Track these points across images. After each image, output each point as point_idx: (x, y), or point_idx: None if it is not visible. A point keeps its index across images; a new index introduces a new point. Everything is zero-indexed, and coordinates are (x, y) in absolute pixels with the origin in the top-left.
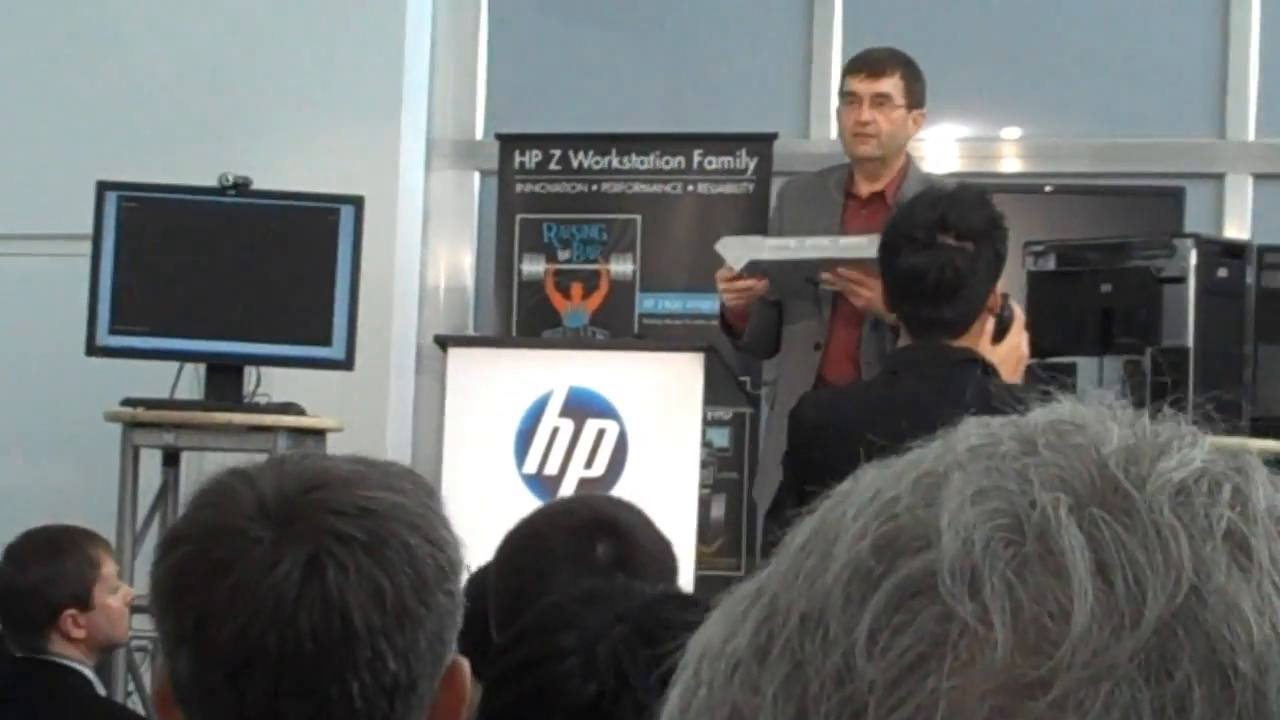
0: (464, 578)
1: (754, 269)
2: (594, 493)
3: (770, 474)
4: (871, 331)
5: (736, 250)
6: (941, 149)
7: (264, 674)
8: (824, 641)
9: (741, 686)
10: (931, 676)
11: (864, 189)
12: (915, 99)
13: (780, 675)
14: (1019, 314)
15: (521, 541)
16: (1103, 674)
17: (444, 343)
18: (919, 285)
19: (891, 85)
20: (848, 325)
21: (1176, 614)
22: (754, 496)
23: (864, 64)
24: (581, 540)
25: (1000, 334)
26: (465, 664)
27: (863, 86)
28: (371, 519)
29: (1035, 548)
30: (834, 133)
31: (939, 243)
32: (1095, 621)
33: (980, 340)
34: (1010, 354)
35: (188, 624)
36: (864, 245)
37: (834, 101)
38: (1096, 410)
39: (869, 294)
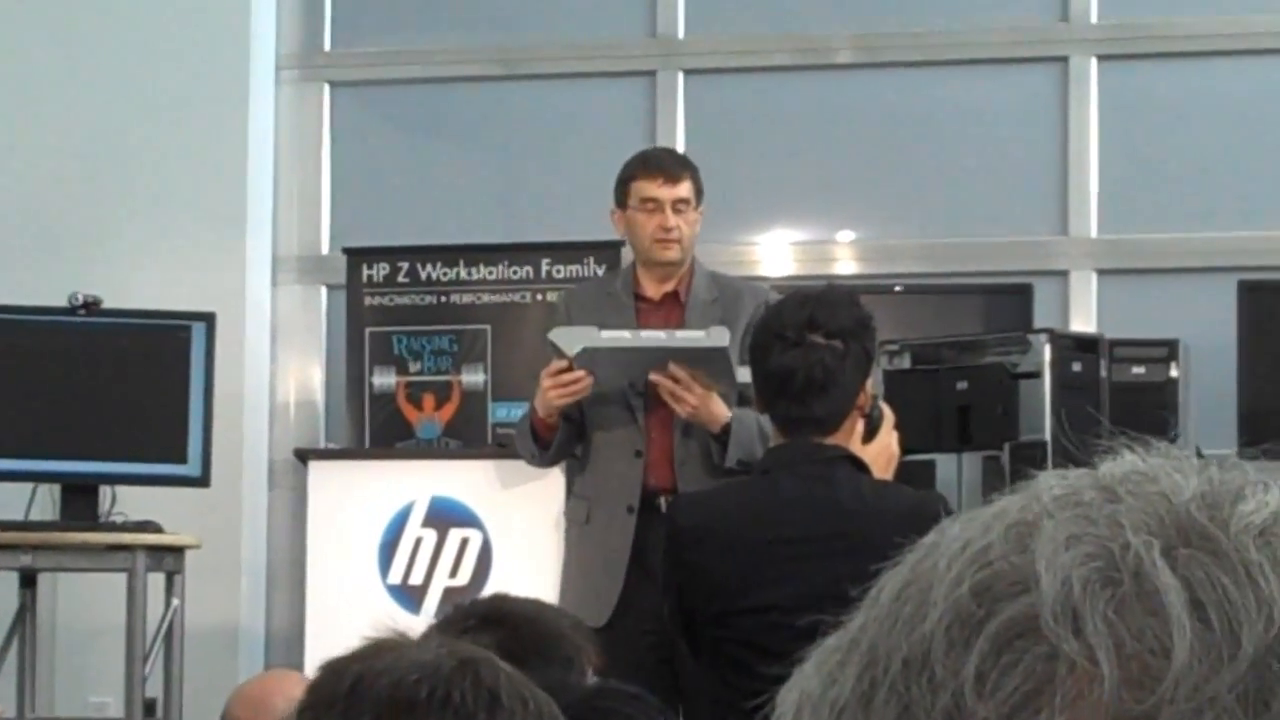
0: None
1: (587, 357)
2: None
3: (577, 589)
4: (683, 436)
5: (570, 339)
6: (777, 252)
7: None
8: (930, 684)
9: None
10: (1043, 712)
11: (654, 290)
12: (700, 197)
13: (889, 718)
14: (888, 414)
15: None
16: (1204, 706)
17: (304, 455)
18: (789, 383)
19: (687, 189)
20: (663, 430)
21: (1271, 647)
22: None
23: (659, 169)
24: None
25: (870, 434)
26: None
27: (664, 192)
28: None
29: (1132, 588)
30: None
31: (808, 341)
32: (1195, 656)
33: (851, 439)
34: (881, 453)
35: (342, 688)
36: (700, 337)
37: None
38: (1164, 462)
39: (694, 402)
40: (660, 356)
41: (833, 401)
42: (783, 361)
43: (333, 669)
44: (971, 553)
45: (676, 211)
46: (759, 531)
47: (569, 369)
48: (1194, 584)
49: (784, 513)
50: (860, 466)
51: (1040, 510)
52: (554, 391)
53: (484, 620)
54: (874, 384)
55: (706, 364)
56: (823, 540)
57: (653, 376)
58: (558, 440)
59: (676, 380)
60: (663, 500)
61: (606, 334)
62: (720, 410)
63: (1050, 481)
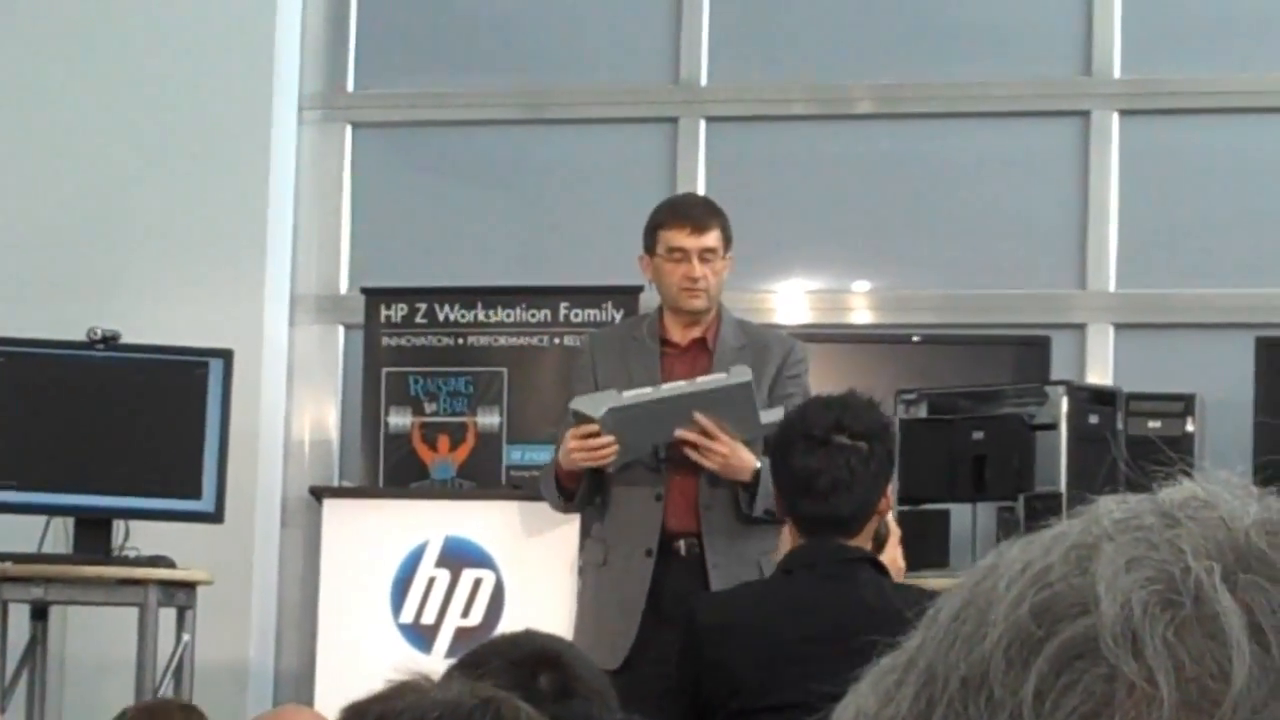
0: None
1: (613, 420)
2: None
3: (591, 631)
4: (709, 484)
5: (594, 404)
6: (794, 300)
7: None
8: (989, 703)
9: None
10: None
11: (681, 336)
12: (729, 244)
13: None
14: (894, 529)
15: (466, 675)
16: None
17: (319, 494)
18: (814, 483)
19: (715, 238)
20: (686, 474)
21: None
22: None
23: (686, 219)
24: (524, 672)
25: (877, 548)
26: None
27: (691, 242)
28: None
29: (1192, 611)
30: None
31: (835, 441)
32: (1253, 680)
33: (868, 545)
34: (890, 565)
35: None
36: (722, 377)
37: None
38: (1222, 489)
39: (724, 450)
40: (684, 407)
41: (856, 502)
42: (808, 462)
43: (355, 710)
44: (1031, 574)
45: (704, 261)
46: (782, 630)
47: (597, 433)
48: (1254, 609)
49: (807, 611)
50: (880, 569)
51: (1100, 533)
52: (580, 454)
53: (526, 658)
54: (892, 490)
55: (730, 406)
56: (846, 640)
57: (679, 433)
58: (583, 489)
59: (704, 433)
60: (682, 543)
61: (628, 393)
62: (749, 458)
63: (1110, 506)
